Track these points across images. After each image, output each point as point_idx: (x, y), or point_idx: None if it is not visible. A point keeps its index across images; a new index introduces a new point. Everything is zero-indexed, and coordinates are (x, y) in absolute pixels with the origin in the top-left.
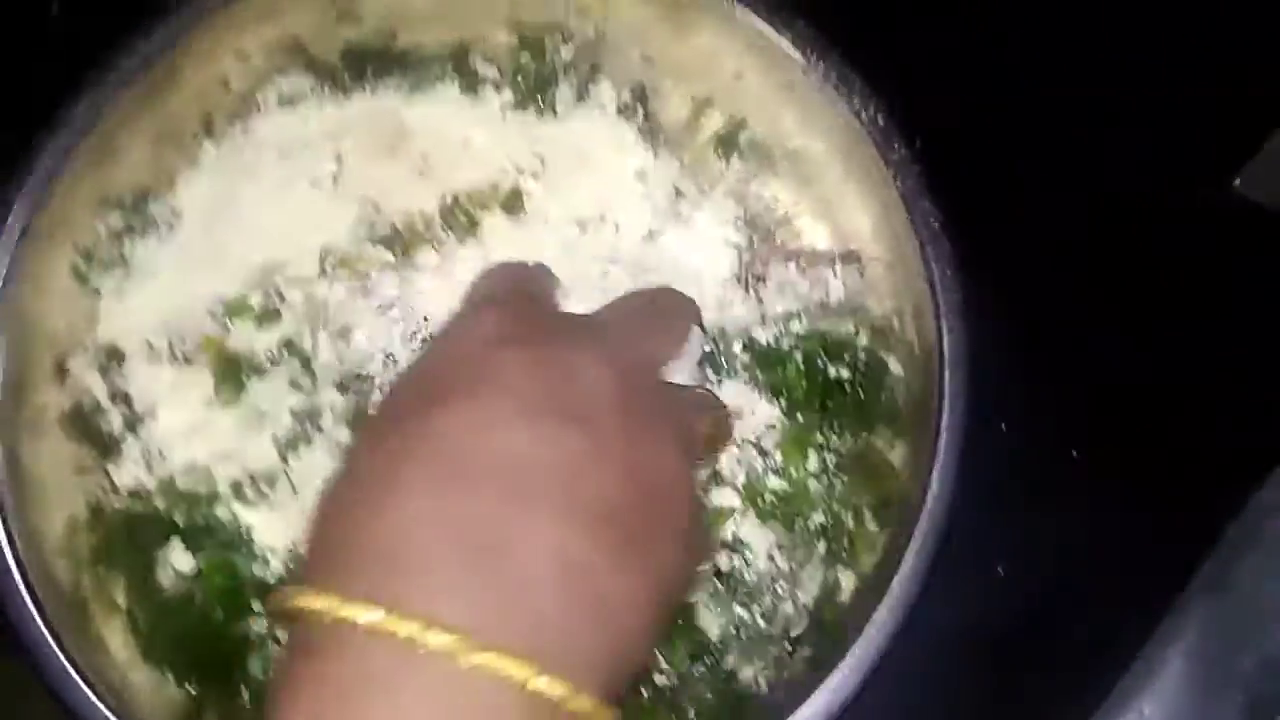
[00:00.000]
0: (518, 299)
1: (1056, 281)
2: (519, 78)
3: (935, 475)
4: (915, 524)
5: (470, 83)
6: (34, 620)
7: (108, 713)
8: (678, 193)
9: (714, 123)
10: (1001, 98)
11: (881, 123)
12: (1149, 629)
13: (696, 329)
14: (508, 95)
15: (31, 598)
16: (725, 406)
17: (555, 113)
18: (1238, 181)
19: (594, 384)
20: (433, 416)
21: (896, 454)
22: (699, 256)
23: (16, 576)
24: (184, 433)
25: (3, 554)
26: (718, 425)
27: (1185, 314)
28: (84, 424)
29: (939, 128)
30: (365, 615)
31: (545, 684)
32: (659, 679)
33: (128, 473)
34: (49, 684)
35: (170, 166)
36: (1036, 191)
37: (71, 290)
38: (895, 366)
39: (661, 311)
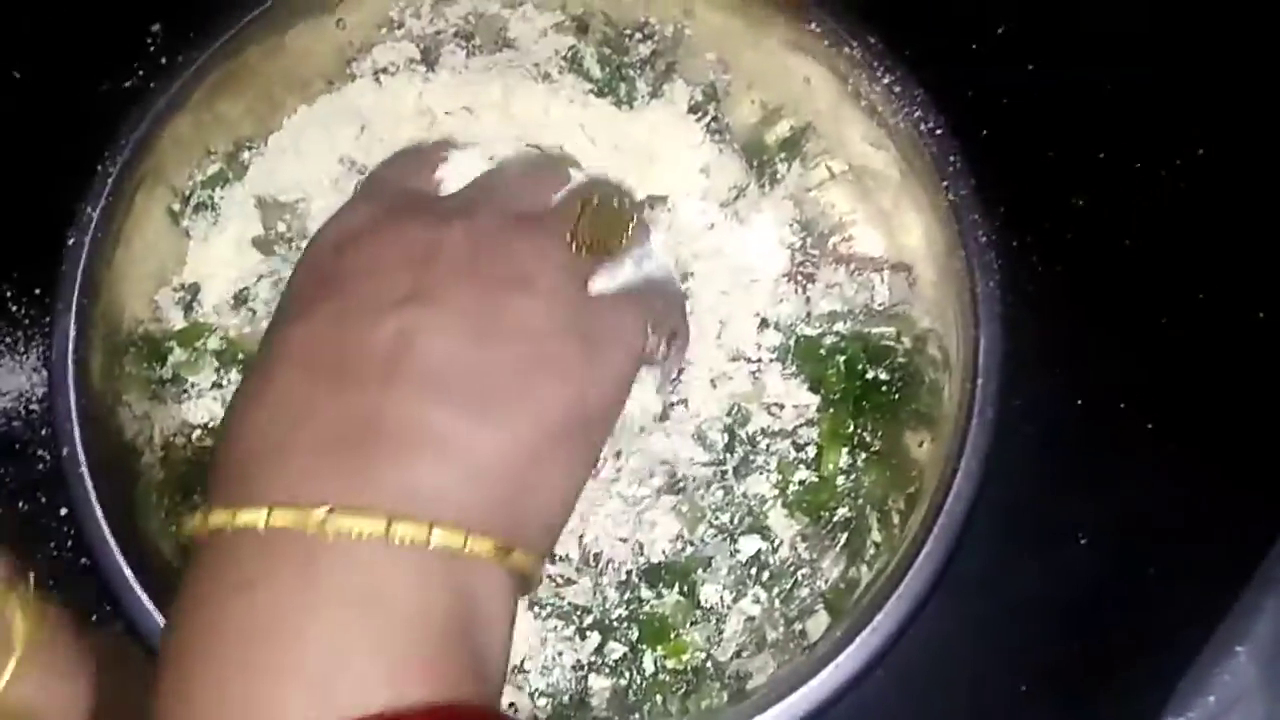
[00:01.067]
0: (381, 191)
1: (1126, 260)
2: (599, 69)
3: (958, 480)
4: (934, 525)
5: (552, 70)
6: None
7: None
8: (739, 191)
9: (781, 127)
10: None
11: (940, 134)
12: (1231, 591)
13: (570, 169)
14: (585, 84)
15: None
16: (592, 188)
17: (630, 105)
18: None
19: (434, 254)
20: (291, 327)
21: (925, 456)
22: (754, 251)
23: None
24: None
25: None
26: (595, 223)
27: (1252, 287)
28: (158, 355)
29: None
30: (245, 517)
31: (413, 531)
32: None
33: (204, 409)
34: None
35: (266, 123)
36: (1100, 169)
37: (165, 231)
38: (933, 373)
39: (524, 171)
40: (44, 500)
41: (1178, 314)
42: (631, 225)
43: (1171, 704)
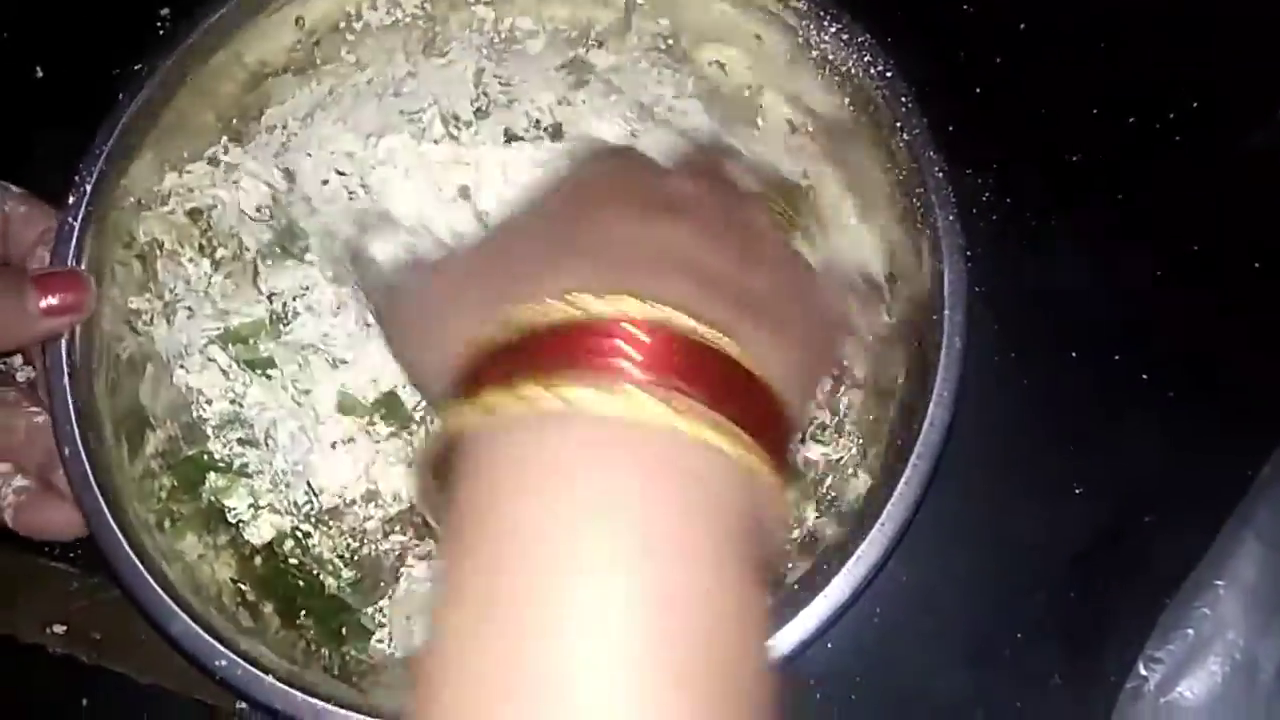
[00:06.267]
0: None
1: (1120, 214)
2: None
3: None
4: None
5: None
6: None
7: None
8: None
9: (737, 83)
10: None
11: (890, 76)
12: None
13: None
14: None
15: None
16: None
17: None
18: None
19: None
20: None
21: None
22: None
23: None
24: None
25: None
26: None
27: (1246, 240)
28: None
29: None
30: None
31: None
32: None
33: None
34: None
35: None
36: (1093, 125)
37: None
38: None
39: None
40: None
41: (1172, 267)
42: None
43: (1151, 639)
